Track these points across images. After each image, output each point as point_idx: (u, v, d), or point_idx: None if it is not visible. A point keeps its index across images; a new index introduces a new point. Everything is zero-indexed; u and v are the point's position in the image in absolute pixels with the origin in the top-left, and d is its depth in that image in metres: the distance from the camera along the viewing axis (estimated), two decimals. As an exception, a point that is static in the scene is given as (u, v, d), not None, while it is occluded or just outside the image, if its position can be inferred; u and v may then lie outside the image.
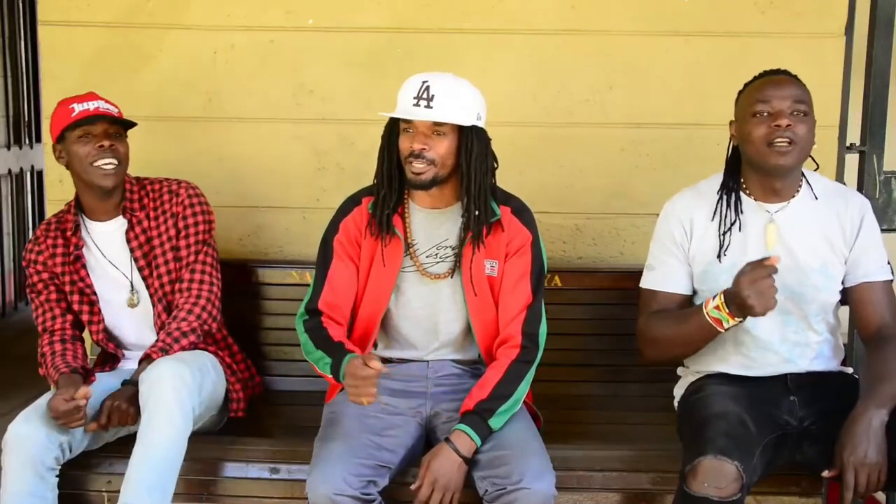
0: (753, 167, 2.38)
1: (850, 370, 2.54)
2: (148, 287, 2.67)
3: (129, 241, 2.66)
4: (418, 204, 2.50)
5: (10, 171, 5.86)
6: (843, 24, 3.06)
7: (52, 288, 2.69)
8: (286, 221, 3.17)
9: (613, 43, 3.09)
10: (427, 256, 2.49)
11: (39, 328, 2.70)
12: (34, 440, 2.35)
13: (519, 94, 3.11)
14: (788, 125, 2.29)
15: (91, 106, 2.57)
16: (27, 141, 6.12)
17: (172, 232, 2.67)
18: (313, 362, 2.41)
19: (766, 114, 2.32)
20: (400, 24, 3.08)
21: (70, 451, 2.43)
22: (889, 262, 2.43)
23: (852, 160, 3.13)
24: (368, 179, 2.53)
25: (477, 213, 2.42)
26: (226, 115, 3.13)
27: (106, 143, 2.56)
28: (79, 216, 2.68)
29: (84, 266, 2.67)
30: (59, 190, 3.14)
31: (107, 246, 2.68)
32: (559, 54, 3.10)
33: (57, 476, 2.40)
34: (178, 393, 2.36)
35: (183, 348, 2.54)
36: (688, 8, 3.07)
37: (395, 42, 3.09)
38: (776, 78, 2.38)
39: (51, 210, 3.15)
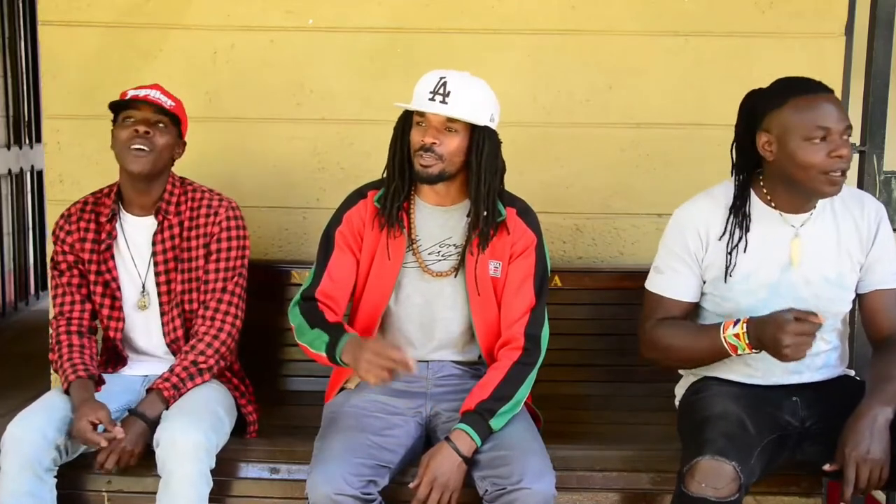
0: (793, 186, 2.30)
1: (852, 372, 2.53)
2: (160, 294, 2.64)
3: (154, 243, 2.62)
4: (424, 200, 2.51)
5: (10, 171, 5.87)
6: (843, 24, 3.06)
7: (75, 272, 2.64)
8: (286, 221, 3.17)
9: (613, 43, 3.09)
10: (429, 253, 2.49)
11: (56, 310, 2.64)
12: (31, 441, 2.34)
13: (519, 94, 3.11)
14: (846, 154, 2.23)
15: (142, 93, 2.55)
16: (27, 141, 6.13)
17: (201, 251, 2.62)
18: (307, 344, 2.39)
19: (821, 139, 2.23)
20: (400, 24, 3.08)
21: (67, 453, 2.42)
22: None
23: (852, 160, 3.13)
24: (368, 179, 2.54)
25: (485, 213, 2.42)
26: (226, 115, 3.13)
27: (141, 128, 2.51)
28: (117, 204, 2.65)
29: (113, 257, 2.63)
30: (59, 190, 3.14)
31: (134, 240, 2.64)
32: (559, 54, 3.10)
33: (55, 477, 2.39)
34: (195, 464, 2.33)
35: (196, 385, 2.52)
36: (688, 8, 3.07)
37: (395, 42, 3.09)
38: (826, 97, 2.26)
39: (51, 210, 3.16)
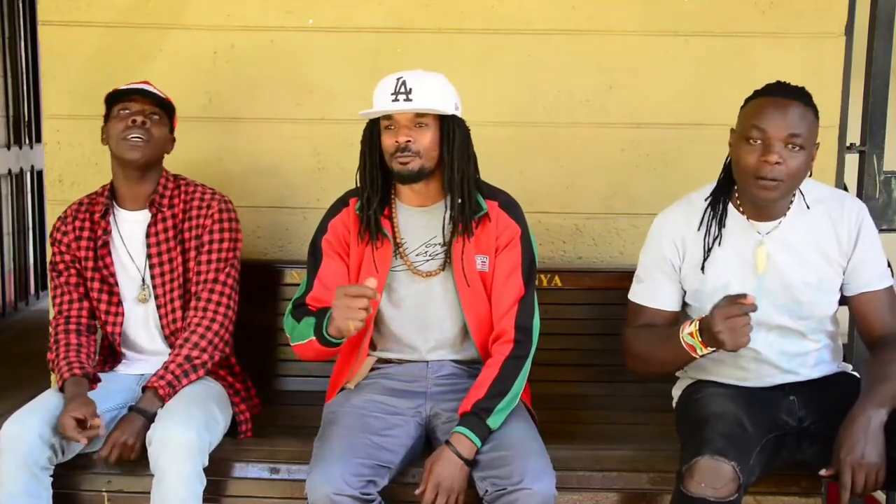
0: (741, 190, 2.34)
1: (849, 367, 2.53)
2: (155, 287, 2.65)
3: (148, 235, 2.65)
4: (405, 203, 2.51)
5: (10, 171, 5.87)
6: (843, 24, 3.05)
7: (72, 271, 2.67)
8: (286, 221, 3.17)
9: (613, 43, 3.09)
10: (417, 255, 2.49)
11: (55, 310, 2.68)
12: (27, 440, 2.34)
13: (519, 94, 3.10)
14: (778, 162, 2.20)
15: (134, 86, 2.62)
16: (27, 141, 6.13)
17: (194, 243, 2.65)
18: (299, 338, 2.38)
19: (758, 141, 2.23)
20: (400, 24, 3.08)
21: (63, 452, 2.42)
22: (890, 265, 2.41)
23: (852, 160, 3.13)
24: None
25: (460, 200, 2.42)
26: (226, 115, 3.13)
27: (138, 118, 2.57)
28: (110, 201, 2.68)
29: (110, 253, 2.66)
30: (59, 190, 3.14)
31: (129, 235, 2.66)
32: (559, 54, 3.10)
33: (51, 476, 2.39)
34: (187, 462, 2.33)
35: (191, 382, 2.53)
36: (688, 8, 3.07)
37: (395, 42, 3.09)
38: (778, 101, 2.24)
39: (50, 210, 3.16)
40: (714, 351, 2.21)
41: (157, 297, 2.66)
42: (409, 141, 2.36)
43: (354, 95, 3.09)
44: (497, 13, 3.08)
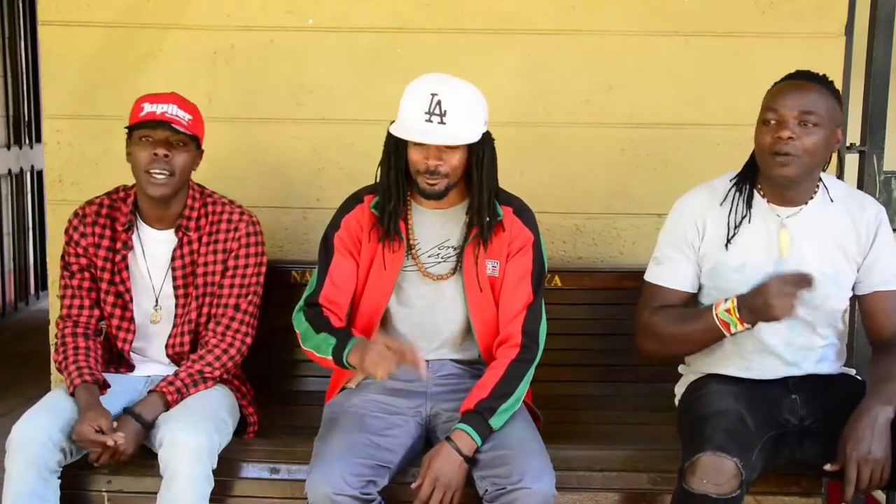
0: (763, 173, 2.36)
1: (852, 371, 2.53)
2: (176, 307, 2.61)
3: (173, 258, 2.59)
4: (422, 205, 2.50)
5: (10, 171, 5.87)
6: (843, 24, 3.06)
7: (86, 275, 2.60)
8: (286, 221, 3.17)
9: (613, 43, 3.09)
10: (429, 256, 2.49)
11: (63, 311, 2.61)
12: (38, 442, 2.34)
13: (519, 94, 3.11)
14: (790, 137, 2.23)
15: (159, 109, 2.47)
16: (27, 141, 6.13)
17: (219, 267, 2.60)
18: (313, 348, 2.40)
19: (772, 122, 2.27)
20: (400, 24, 3.08)
21: (72, 454, 2.42)
22: None
23: (852, 160, 3.13)
24: (368, 179, 2.53)
25: (488, 219, 2.42)
26: (226, 115, 3.13)
27: (160, 151, 2.46)
28: (134, 215, 2.60)
29: (127, 268, 2.59)
30: (59, 190, 3.14)
31: (151, 254, 2.60)
32: (559, 54, 3.10)
33: (59, 478, 2.39)
34: (197, 465, 2.33)
35: (199, 391, 2.51)
36: (688, 8, 3.07)
37: (395, 42, 3.09)
38: (794, 83, 2.31)
39: (51, 210, 3.16)
40: (749, 328, 2.24)
41: (175, 317, 2.62)
42: (439, 164, 2.35)
43: (354, 95, 3.10)
44: (497, 13, 3.08)
